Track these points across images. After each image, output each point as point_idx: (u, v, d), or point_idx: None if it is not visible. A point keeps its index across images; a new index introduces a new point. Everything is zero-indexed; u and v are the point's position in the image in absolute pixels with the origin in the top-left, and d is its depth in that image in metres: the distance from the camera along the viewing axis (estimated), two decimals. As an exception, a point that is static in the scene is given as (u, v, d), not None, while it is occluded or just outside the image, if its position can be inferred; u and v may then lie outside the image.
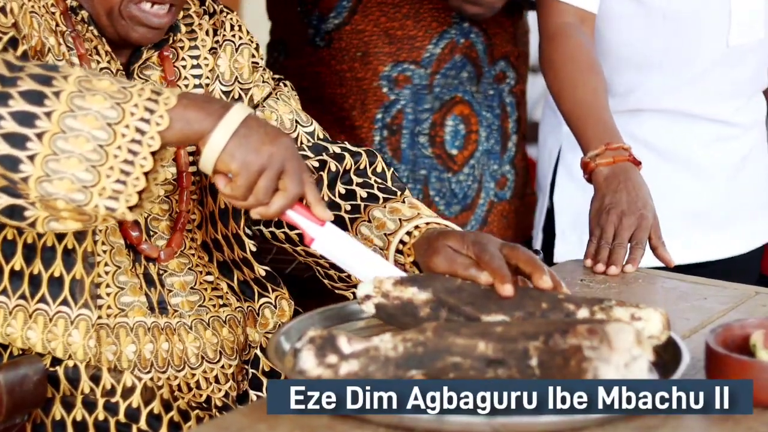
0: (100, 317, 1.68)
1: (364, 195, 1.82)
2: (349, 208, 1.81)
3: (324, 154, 1.87)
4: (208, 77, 1.82)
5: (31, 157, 1.42)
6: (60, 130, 1.43)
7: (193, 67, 1.82)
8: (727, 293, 1.83)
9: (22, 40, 1.60)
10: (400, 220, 1.76)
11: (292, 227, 1.83)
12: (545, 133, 2.48)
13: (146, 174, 1.46)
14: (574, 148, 2.18)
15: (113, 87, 1.46)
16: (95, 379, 1.67)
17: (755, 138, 2.43)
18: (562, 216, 2.40)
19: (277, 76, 1.94)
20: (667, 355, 1.47)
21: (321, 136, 1.90)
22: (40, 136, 1.43)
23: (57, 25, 1.70)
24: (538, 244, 2.46)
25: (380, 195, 1.82)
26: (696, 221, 2.36)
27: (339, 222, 1.80)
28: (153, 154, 1.46)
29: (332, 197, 1.82)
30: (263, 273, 1.80)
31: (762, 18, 2.30)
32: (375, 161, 1.89)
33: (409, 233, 1.73)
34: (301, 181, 1.51)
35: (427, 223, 1.74)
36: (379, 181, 1.86)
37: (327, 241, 1.58)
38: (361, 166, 1.87)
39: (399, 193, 1.83)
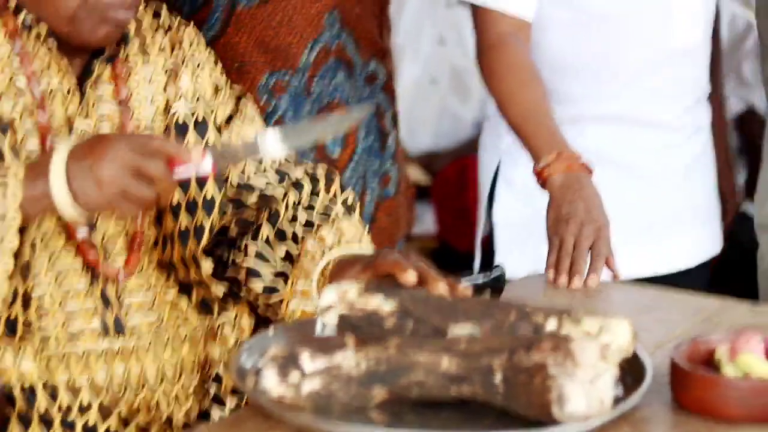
0: (44, 348, 1.66)
1: (303, 221, 1.74)
2: (291, 235, 1.73)
3: (285, 181, 1.81)
4: (159, 95, 1.78)
5: None
6: None
7: (146, 84, 1.77)
8: (692, 305, 1.83)
9: None
10: (323, 251, 1.68)
11: (258, 258, 1.74)
12: (484, 146, 2.44)
13: None
14: (515, 162, 2.16)
15: None
16: (52, 397, 1.65)
17: (701, 145, 2.41)
18: (502, 231, 2.38)
19: (237, 87, 1.91)
20: (631, 371, 1.46)
21: (283, 159, 1.85)
22: None
23: None
24: (478, 257, 2.43)
25: (315, 222, 1.74)
26: (641, 232, 2.33)
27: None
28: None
29: (283, 229, 1.75)
30: (220, 295, 1.75)
31: (701, 20, 2.31)
32: (331, 185, 1.82)
33: (326, 266, 1.66)
34: (150, 153, 1.49)
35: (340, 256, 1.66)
36: (327, 205, 1.78)
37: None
38: (316, 190, 1.80)
39: (333, 216, 1.76)
